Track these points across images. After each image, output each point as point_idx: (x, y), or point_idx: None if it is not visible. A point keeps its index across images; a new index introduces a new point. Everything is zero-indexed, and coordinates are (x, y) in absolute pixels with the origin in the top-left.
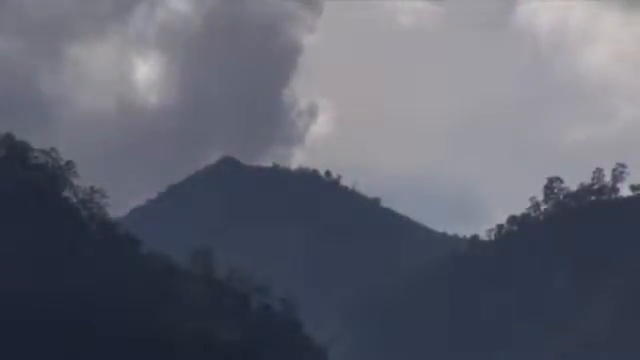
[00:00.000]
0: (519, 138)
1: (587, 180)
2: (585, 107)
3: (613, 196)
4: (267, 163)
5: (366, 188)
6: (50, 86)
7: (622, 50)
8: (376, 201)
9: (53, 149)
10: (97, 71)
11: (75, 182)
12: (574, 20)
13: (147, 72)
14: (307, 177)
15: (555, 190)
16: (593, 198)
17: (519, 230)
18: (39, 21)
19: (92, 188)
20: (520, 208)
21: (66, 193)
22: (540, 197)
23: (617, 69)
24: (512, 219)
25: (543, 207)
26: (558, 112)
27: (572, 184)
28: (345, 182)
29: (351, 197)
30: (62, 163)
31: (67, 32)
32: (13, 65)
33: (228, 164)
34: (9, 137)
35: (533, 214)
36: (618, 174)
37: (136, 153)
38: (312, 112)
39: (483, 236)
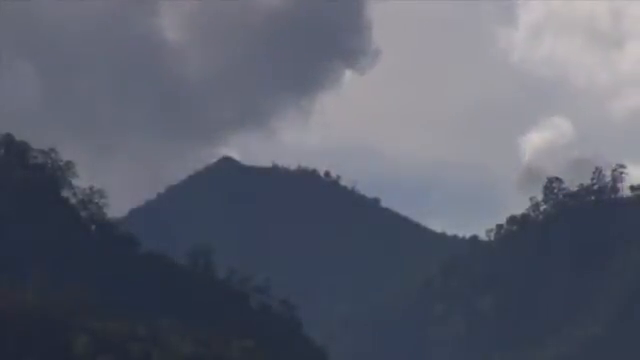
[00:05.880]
0: (519, 137)
1: (587, 180)
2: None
3: (613, 196)
4: (267, 163)
5: (366, 188)
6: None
7: None
8: (376, 201)
9: (53, 149)
10: None
11: (75, 182)
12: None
13: None
14: (307, 177)
15: (555, 190)
16: (593, 198)
17: (519, 230)
18: None
19: (92, 188)
20: (520, 208)
21: (66, 193)
22: (540, 197)
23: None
24: (512, 219)
25: (543, 207)
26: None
27: (572, 184)
28: (345, 182)
29: (351, 197)
30: (62, 163)
31: None
32: None
33: (228, 164)
34: (9, 137)
35: (533, 214)
36: (618, 174)
37: (136, 153)
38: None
39: (483, 236)
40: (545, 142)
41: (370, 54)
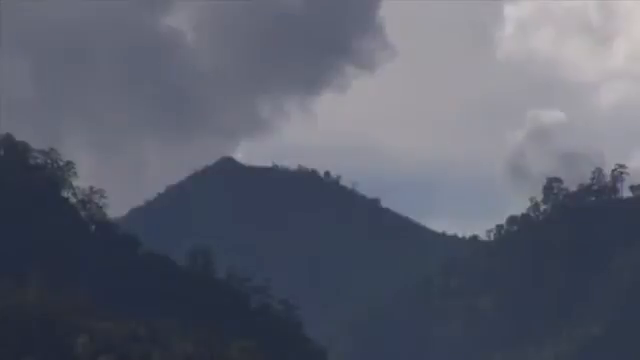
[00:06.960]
0: (519, 137)
1: (584, 175)
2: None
3: (613, 196)
4: (267, 163)
5: (366, 188)
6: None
7: None
8: (376, 201)
9: (53, 149)
10: None
11: (75, 182)
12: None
13: None
14: (307, 177)
15: (555, 190)
16: (593, 198)
17: (519, 230)
18: None
19: (92, 188)
20: (520, 208)
21: (66, 193)
22: (540, 197)
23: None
24: (512, 219)
25: (543, 207)
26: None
27: (570, 181)
28: (345, 182)
29: (351, 197)
30: (62, 163)
31: None
32: None
33: (228, 164)
34: (9, 137)
35: (533, 214)
36: (618, 174)
37: (136, 153)
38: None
39: (483, 236)
40: (543, 138)
41: (375, 54)
